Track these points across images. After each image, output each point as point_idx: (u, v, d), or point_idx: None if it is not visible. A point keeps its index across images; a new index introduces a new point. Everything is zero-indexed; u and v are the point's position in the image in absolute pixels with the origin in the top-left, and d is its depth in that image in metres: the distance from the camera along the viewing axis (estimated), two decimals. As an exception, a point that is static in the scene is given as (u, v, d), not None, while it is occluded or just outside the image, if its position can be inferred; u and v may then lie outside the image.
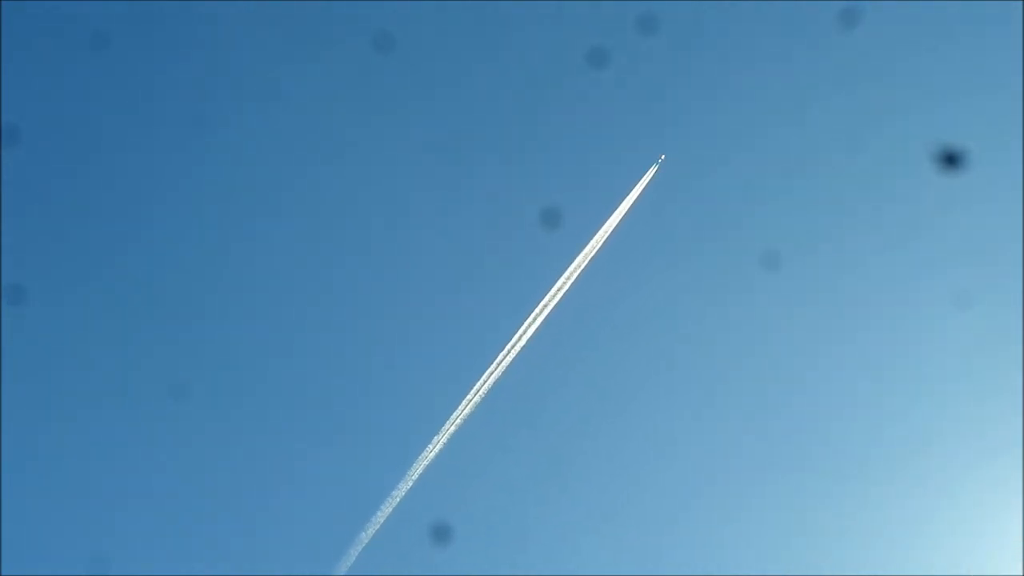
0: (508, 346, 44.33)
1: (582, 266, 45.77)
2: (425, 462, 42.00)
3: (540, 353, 45.49)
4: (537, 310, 45.03)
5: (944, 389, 49.00)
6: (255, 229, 50.67)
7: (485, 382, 43.60)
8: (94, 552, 42.47)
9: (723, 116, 51.04)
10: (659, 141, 51.00)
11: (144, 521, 47.31)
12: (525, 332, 44.57)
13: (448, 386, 45.73)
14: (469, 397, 43.25)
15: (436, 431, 42.72)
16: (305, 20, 49.31)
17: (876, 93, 48.49)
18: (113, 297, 50.22)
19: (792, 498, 49.01)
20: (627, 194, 46.62)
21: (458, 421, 42.85)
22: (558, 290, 45.31)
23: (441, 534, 37.25)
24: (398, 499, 41.38)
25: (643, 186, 46.16)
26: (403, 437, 45.76)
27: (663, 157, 46.38)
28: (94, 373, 49.17)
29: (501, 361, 44.04)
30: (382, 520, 41.17)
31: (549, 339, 45.45)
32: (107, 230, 50.78)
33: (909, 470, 48.18)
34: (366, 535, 40.93)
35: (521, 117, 52.16)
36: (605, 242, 46.24)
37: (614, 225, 46.36)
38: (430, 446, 42.37)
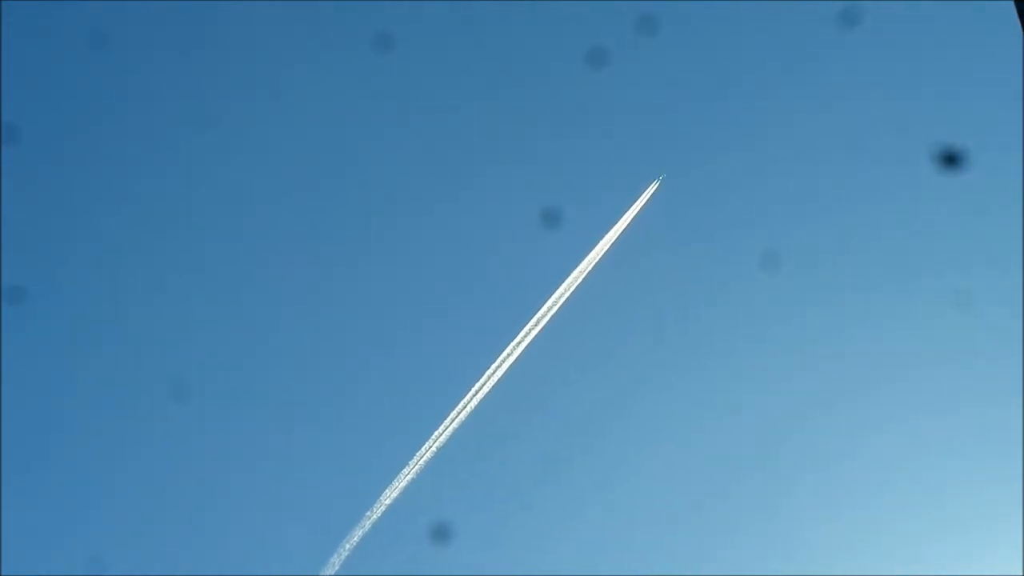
0: (510, 345, 44.37)
1: (585, 268, 45.79)
2: (423, 461, 42.01)
3: (541, 353, 45.55)
4: (539, 310, 45.08)
5: (944, 389, 49.04)
6: (254, 229, 50.72)
7: (486, 382, 43.64)
8: (93, 552, 42.52)
9: (723, 116, 51.11)
10: (659, 141, 51.09)
11: (144, 521, 47.37)
12: (527, 331, 44.61)
13: (448, 385, 45.78)
14: (469, 396, 43.29)
15: (435, 430, 42.77)
16: (305, 20, 49.35)
17: (876, 93, 48.52)
18: (113, 297, 50.27)
19: (791, 498, 49.05)
20: (629, 195, 46.65)
21: (458, 420, 42.88)
22: (560, 291, 45.34)
23: (441, 534, 37.25)
24: (389, 500, 41.36)
25: (644, 200, 46.09)
26: (404, 437, 45.79)
27: (663, 176, 46.38)
28: (94, 373, 49.20)
29: (502, 361, 44.07)
30: (373, 520, 41.16)
31: (551, 339, 45.53)
32: (107, 230, 50.82)
33: (908, 470, 48.23)
34: (355, 535, 40.91)
35: (521, 117, 52.20)
36: (607, 243, 46.27)
37: (617, 225, 46.40)
38: (430, 445, 42.40)
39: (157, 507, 47.52)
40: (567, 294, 45.23)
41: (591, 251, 46.00)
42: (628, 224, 46.32)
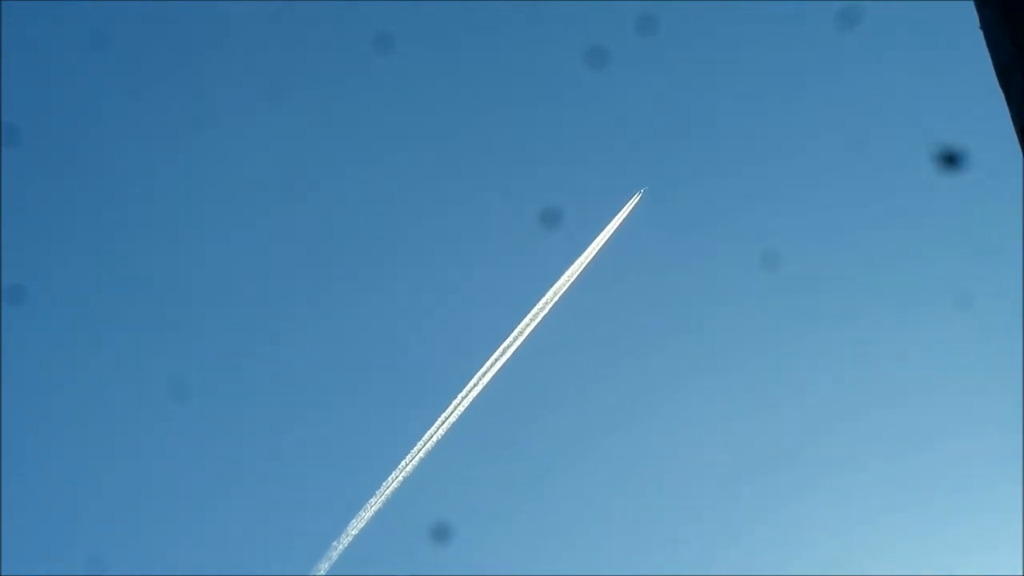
0: (508, 342, 44.41)
1: (583, 264, 45.84)
2: (418, 458, 42.03)
3: (540, 350, 45.60)
4: (537, 306, 45.11)
5: (944, 389, 49.08)
6: (254, 229, 50.78)
7: (483, 378, 43.67)
8: (93, 552, 42.56)
9: (722, 116, 51.16)
10: (659, 142, 51.14)
11: (144, 521, 47.41)
12: (525, 328, 44.65)
13: (446, 382, 45.82)
14: (467, 393, 43.32)
15: (431, 427, 42.82)
16: (305, 20, 49.39)
17: (876, 93, 48.56)
18: (113, 297, 50.31)
19: (790, 499, 49.09)
20: (626, 195, 46.71)
21: (455, 418, 42.91)
22: (558, 288, 45.38)
23: (441, 534, 37.28)
24: (383, 499, 41.35)
25: (627, 210, 46.10)
26: (402, 435, 45.84)
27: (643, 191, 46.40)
28: (94, 373, 49.26)
29: (500, 357, 44.11)
30: (367, 519, 41.14)
31: (549, 336, 45.57)
32: (107, 230, 50.86)
33: (908, 470, 48.27)
34: (348, 535, 40.90)
35: (521, 117, 52.26)
36: (604, 241, 46.32)
37: (615, 224, 46.45)
38: (426, 443, 42.43)
39: (157, 507, 47.60)
40: (566, 288, 45.31)
41: (589, 246, 46.11)
42: (625, 217, 46.38)
